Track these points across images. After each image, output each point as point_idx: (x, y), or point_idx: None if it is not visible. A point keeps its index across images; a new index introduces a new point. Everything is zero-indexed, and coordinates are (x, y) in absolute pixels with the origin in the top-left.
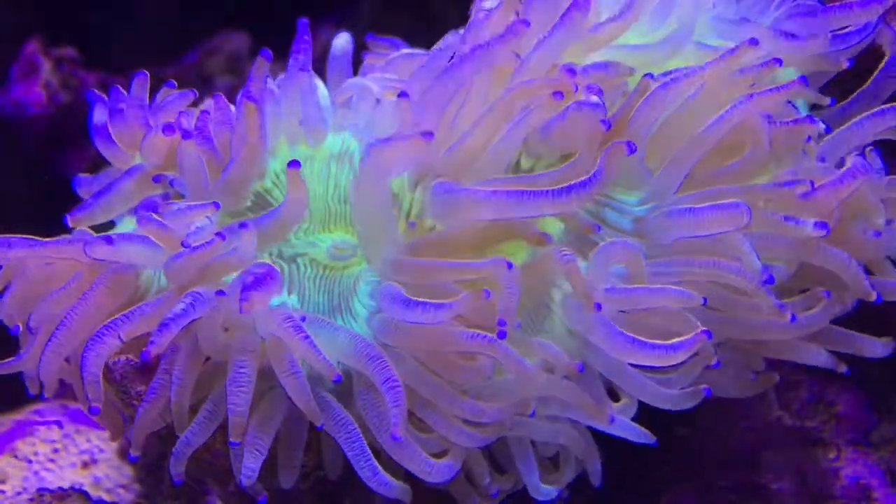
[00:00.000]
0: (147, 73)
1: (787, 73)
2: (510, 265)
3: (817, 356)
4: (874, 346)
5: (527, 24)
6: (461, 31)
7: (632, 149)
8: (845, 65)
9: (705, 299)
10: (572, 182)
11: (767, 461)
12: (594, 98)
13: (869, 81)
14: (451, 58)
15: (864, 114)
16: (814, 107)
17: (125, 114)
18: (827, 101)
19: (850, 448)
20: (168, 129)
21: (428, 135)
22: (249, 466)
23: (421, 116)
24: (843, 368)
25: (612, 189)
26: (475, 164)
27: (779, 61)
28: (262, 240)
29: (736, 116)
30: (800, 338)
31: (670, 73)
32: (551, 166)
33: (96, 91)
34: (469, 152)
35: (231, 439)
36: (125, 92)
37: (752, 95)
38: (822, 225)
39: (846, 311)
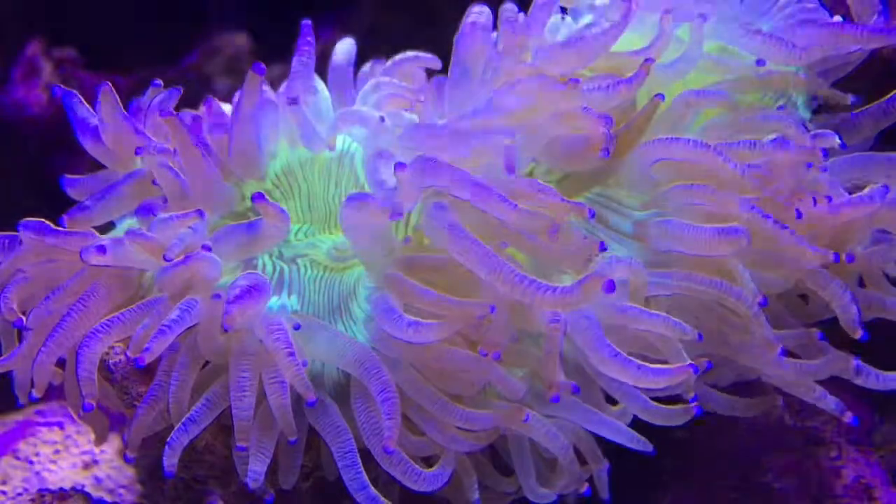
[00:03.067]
0: (109, 83)
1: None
2: (493, 308)
3: (810, 392)
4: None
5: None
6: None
7: (610, 288)
8: (848, 100)
9: (701, 335)
10: (550, 285)
11: (769, 461)
12: (602, 130)
13: (884, 98)
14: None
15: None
16: (819, 107)
17: (109, 124)
18: (847, 99)
19: (852, 447)
20: (142, 147)
21: (396, 214)
22: (255, 470)
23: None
24: (848, 418)
25: (616, 190)
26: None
27: (824, 155)
28: (246, 251)
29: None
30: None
31: (684, 98)
32: (550, 172)
33: (61, 87)
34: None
35: (238, 443)
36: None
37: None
38: (830, 257)
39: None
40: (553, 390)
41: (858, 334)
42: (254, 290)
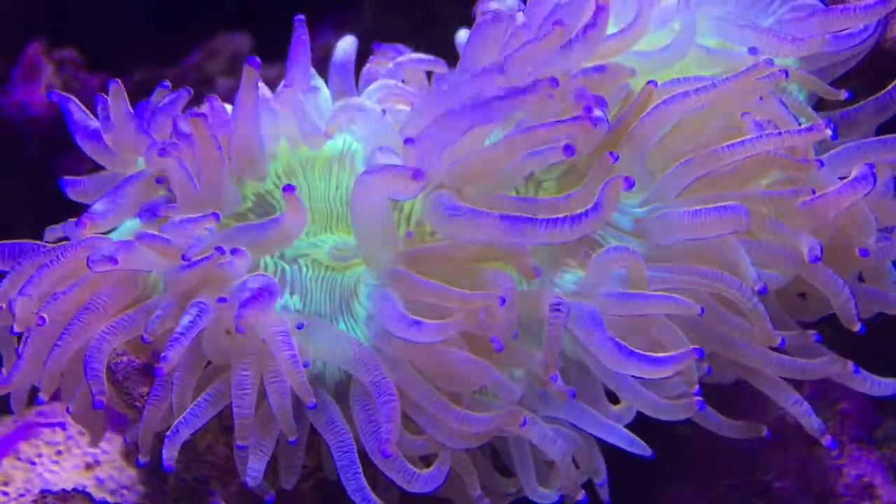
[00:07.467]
0: (119, 81)
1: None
2: (504, 300)
3: (797, 405)
4: (880, 385)
5: (555, 83)
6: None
7: (630, 184)
8: (843, 95)
9: (703, 309)
10: (569, 214)
11: (771, 460)
12: (598, 112)
13: (882, 91)
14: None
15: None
16: (819, 100)
17: (114, 123)
18: (842, 95)
19: (854, 446)
20: (164, 149)
21: (419, 174)
22: (254, 467)
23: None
24: (827, 441)
25: None
26: (481, 178)
27: (785, 73)
28: (259, 250)
29: (759, 148)
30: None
31: (677, 82)
32: (551, 170)
33: (58, 92)
34: (475, 169)
35: (238, 442)
36: (108, 99)
37: (780, 133)
38: (817, 252)
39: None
40: (551, 370)
41: (857, 328)
42: (265, 292)
